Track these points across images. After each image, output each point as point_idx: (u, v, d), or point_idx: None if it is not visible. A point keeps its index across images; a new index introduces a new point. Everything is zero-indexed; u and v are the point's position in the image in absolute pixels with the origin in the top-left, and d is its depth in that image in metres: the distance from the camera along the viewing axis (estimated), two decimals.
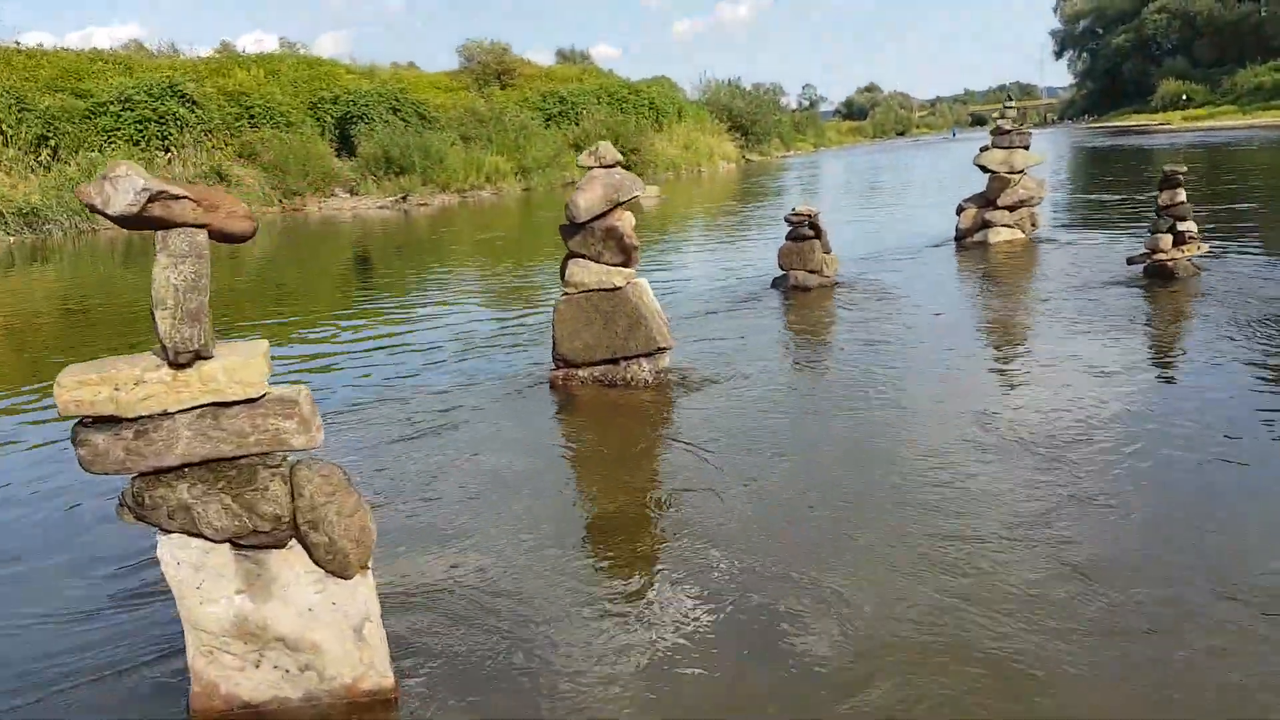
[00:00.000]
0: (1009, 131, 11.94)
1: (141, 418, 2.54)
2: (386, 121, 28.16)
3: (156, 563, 2.72)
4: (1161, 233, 8.63)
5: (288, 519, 2.66)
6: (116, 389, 2.51)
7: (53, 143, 22.78)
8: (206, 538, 2.66)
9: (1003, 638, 2.97)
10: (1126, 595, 3.19)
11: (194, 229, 2.53)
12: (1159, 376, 5.93)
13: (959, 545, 3.60)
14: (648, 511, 4.22)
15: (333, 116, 28.72)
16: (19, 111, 22.60)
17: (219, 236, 2.61)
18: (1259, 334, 6.56)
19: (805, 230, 9.30)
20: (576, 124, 33.96)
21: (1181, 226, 8.60)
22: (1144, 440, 4.63)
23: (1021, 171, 11.92)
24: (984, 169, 11.99)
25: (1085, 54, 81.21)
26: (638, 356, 6.15)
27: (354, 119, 28.39)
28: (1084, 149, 38.52)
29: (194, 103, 25.25)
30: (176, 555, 2.68)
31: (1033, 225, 12.09)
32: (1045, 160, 14.28)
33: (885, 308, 8.31)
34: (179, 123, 24.71)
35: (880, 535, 3.74)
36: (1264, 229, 11.98)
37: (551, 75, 39.85)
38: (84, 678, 3.04)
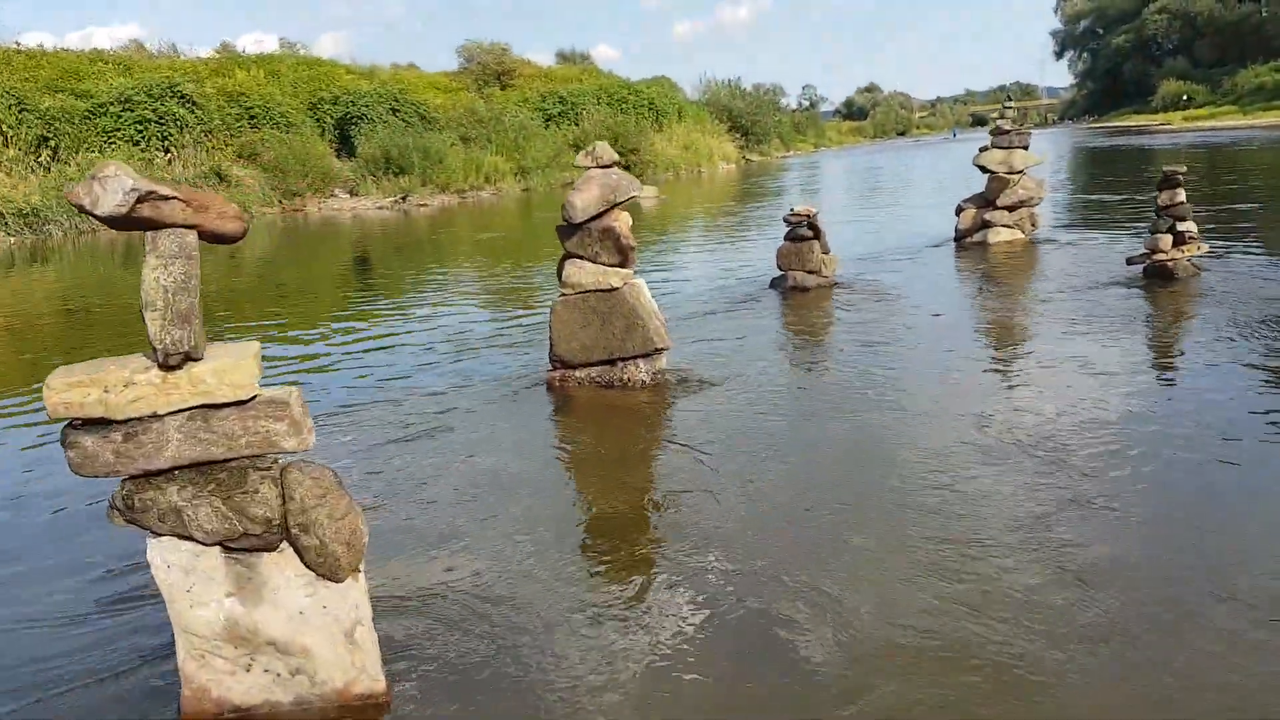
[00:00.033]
0: (1008, 132, 11.92)
1: (131, 420, 2.52)
2: (386, 122, 28.16)
3: (147, 566, 2.70)
4: (1161, 233, 8.61)
5: (278, 522, 2.63)
6: (106, 391, 2.49)
7: (53, 143, 22.77)
8: (197, 541, 2.64)
9: (1002, 640, 2.94)
10: (1126, 596, 3.16)
11: (184, 230, 2.50)
12: (1159, 377, 5.91)
13: (958, 547, 3.57)
14: (644, 513, 4.20)
15: (333, 117, 28.73)
16: (19, 112, 22.59)
17: (209, 237, 2.59)
18: (1259, 334, 6.53)
19: (803, 230, 9.27)
20: (576, 124, 33.96)
21: (1181, 227, 8.57)
22: (1143, 441, 4.60)
23: (1021, 172, 11.89)
24: (983, 169, 11.97)
25: (1086, 54, 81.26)
26: (635, 357, 6.13)
27: (354, 119, 28.39)
28: (1084, 149, 38.50)
29: (194, 103, 25.24)
30: (167, 558, 2.66)
31: (1032, 225, 12.06)
32: (1045, 160, 14.26)
33: (884, 308, 8.29)
34: (179, 123, 24.69)
35: (879, 538, 3.72)
36: (1265, 229, 11.96)
37: (551, 76, 39.85)
38: (75, 682, 3.02)
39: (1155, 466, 4.31)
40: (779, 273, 9.49)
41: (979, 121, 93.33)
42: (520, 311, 9.40)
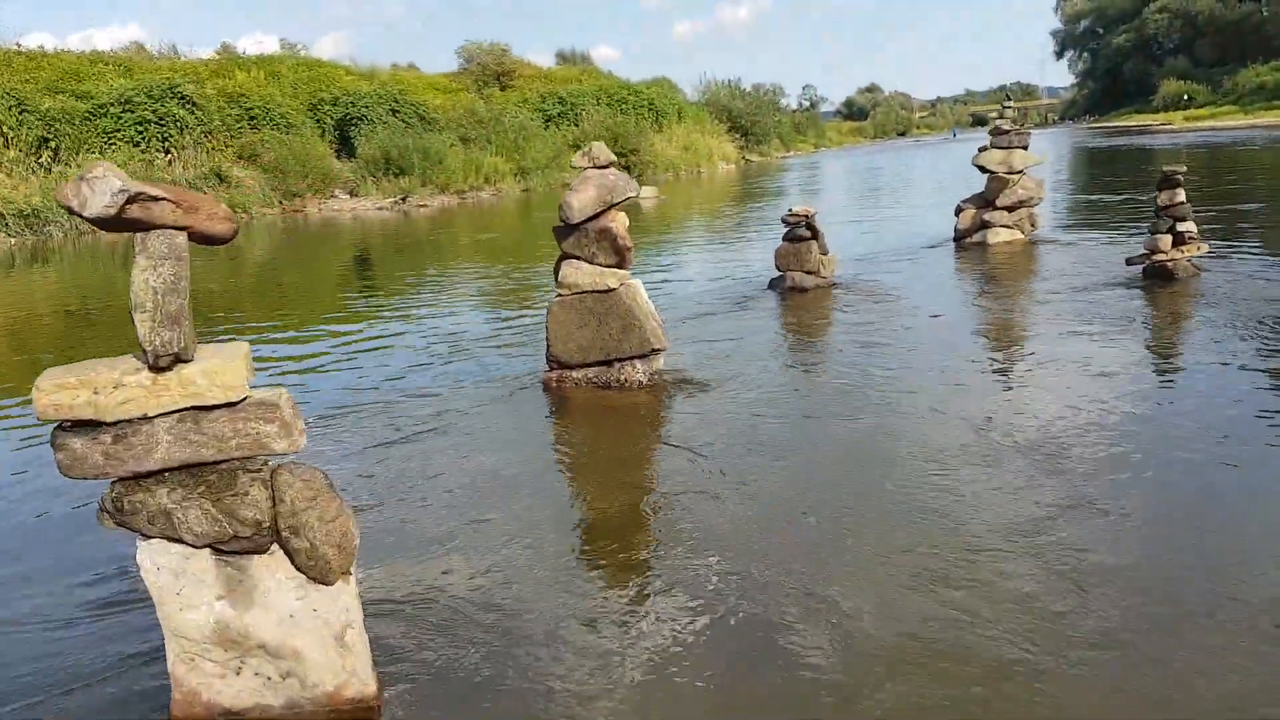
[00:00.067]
0: (1008, 132, 11.88)
1: (120, 422, 2.50)
2: (386, 123, 28.17)
3: (136, 568, 2.68)
4: (1161, 233, 8.58)
5: (268, 524, 2.61)
6: (95, 393, 2.47)
7: (53, 144, 22.78)
8: (187, 543, 2.61)
9: (1003, 642, 2.92)
10: (1126, 597, 3.14)
11: (173, 231, 2.48)
12: (1159, 378, 5.88)
13: (958, 549, 3.55)
14: (642, 515, 4.17)
15: (333, 118, 28.73)
16: (20, 113, 22.60)
17: (199, 238, 2.57)
18: (1259, 335, 6.51)
19: (802, 231, 9.25)
20: (576, 125, 33.95)
21: (1181, 227, 8.54)
22: (1143, 442, 4.58)
23: (1020, 172, 11.86)
24: (982, 169, 11.94)
25: (1086, 54, 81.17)
26: (632, 358, 6.11)
27: (354, 120, 28.40)
28: (1084, 149, 38.46)
29: (194, 104, 25.24)
30: (156, 561, 2.64)
31: (1032, 226, 12.04)
32: (1045, 160, 14.22)
33: (883, 309, 8.26)
34: (179, 124, 24.70)
35: (878, 539, 3.69)
36: (1265, 229, 11.92)
37: (551, 76, 39.85)
38: (64, 686, 2.99)
39: (1155, 467, 4.29)
40: (777, 273, 9.47)
41: (979, 121, 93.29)
42: (518, 312, 9.38)
